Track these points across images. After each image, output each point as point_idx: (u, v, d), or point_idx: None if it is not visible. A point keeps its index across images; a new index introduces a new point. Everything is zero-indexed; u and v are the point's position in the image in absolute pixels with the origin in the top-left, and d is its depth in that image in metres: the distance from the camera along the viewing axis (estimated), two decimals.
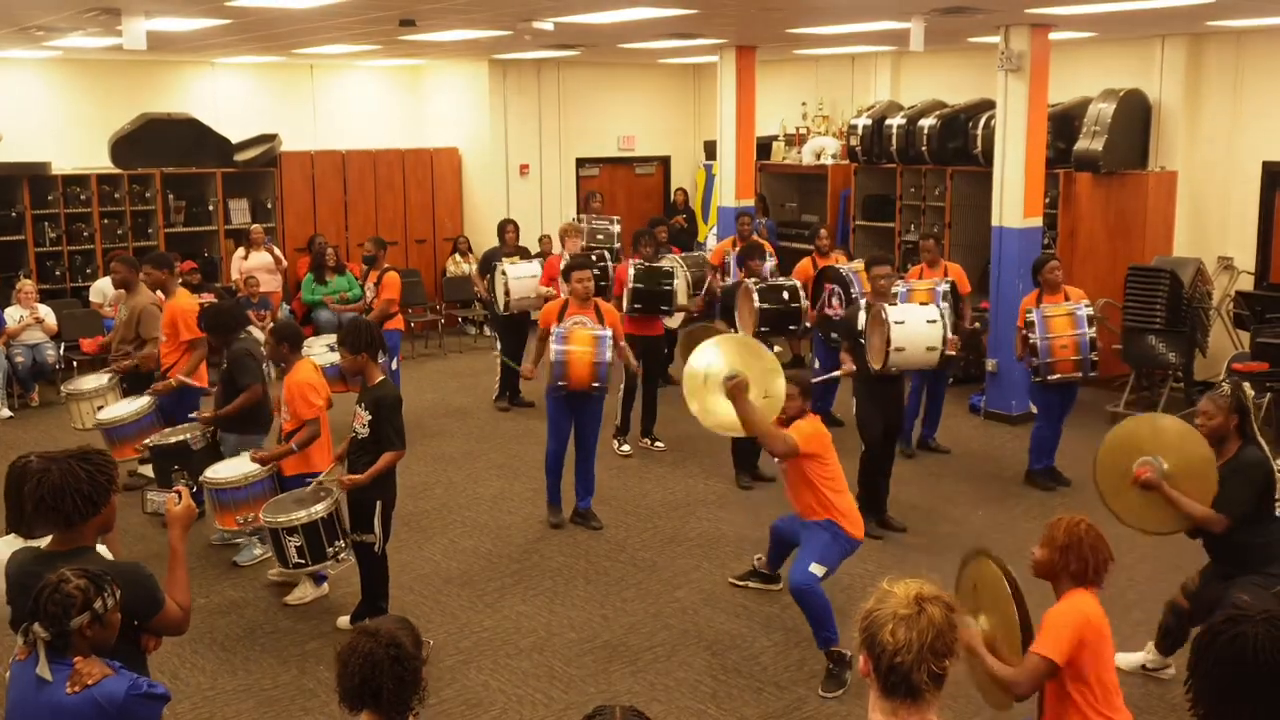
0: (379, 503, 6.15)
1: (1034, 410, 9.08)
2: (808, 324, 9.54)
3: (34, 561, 3.52)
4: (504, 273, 10.50)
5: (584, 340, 7.67)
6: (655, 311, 9.64)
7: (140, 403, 7.85)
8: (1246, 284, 11.07)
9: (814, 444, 5.97)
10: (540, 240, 13.14)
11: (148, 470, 7.67)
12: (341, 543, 6.17)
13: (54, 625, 3.06)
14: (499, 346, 11.04)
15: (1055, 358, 8.36)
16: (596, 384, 7.69)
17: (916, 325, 7.82)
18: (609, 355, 7.74)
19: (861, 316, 7.93)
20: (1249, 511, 5.17)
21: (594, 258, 10.62)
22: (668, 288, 9.54)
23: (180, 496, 3.87)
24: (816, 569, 5.83)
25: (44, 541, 3.67)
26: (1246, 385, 5.36)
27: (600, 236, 12.49)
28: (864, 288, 8.80)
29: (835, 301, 9.50)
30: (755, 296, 9.07)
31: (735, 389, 5.92)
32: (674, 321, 10.60)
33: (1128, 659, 5.80)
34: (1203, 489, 5.17)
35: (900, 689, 2.49)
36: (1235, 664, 2.56)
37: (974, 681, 4.20)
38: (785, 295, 9.30)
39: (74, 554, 3.48)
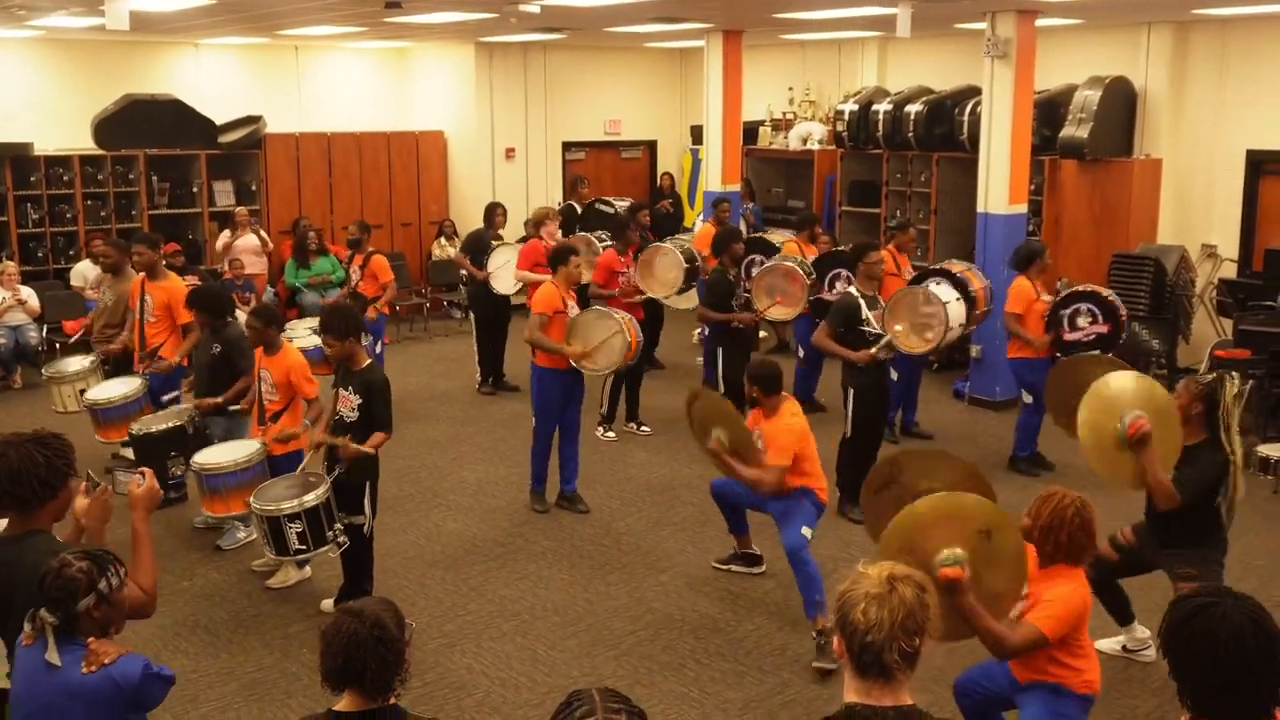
0: (368, 483, 6.22)
1: (1027, 400, 8.72)
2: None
3: None
4: None
5: (629, 322, 8.12)
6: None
7: (133, 384, 7.77)
8: (1230, 271, 11.11)
9: (799, 448, 6.12)
10: (528, 226, 13.06)
11: (129, 453, 7.62)
12: (338, 525, 6.16)
13: (60, 609, 3.09)
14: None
15: None
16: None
17: (954, 304, 8.31)
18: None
19: (862, 306, 7.76)
20: (1195, 498, 5.29)
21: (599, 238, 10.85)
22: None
23: (144, 478, 3.78)
24: (807, 531, 6.10)
25: None
26: (1236, 380, 5.34)
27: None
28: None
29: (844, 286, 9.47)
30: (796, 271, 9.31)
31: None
32: (687, 302, 10.65)
33: (1108, 643, 5.88)
34: (1169, 440, 5.26)
35: (873, 669, 2.52)
36: (1207, 643, 2.56)
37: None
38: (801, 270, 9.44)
39: (27, 537, 3.49)
